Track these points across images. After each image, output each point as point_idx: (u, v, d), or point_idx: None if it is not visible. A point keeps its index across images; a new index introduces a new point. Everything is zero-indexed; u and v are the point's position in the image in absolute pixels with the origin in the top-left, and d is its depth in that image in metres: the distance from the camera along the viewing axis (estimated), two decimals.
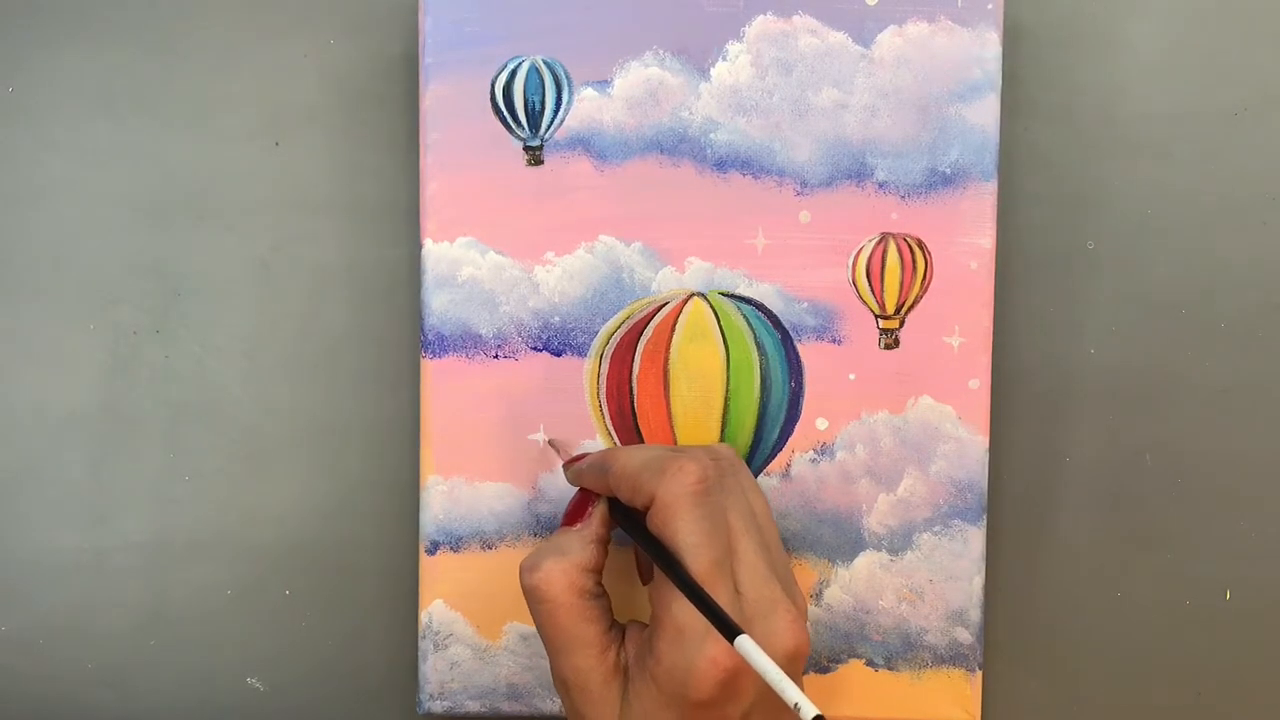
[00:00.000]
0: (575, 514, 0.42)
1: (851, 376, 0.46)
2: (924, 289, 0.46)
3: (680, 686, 0.37)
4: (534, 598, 0.40)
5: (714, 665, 0.37)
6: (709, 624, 0.37)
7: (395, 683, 0.49)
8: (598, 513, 0.42)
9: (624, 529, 0.41)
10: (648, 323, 0.46)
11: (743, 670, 0.37)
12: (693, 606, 0.37)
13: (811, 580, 0.47)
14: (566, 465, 0.45)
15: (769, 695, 0.38)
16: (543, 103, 0.45)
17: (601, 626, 0.40)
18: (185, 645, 0.49)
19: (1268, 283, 0.49)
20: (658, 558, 0.39)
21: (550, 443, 0.46)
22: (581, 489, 0.43)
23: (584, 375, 0.46)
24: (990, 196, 0.46)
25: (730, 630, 0.36)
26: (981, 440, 0.46)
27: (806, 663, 0.47)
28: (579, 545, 0.41)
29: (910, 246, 0.46)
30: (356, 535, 0.48)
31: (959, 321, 0.46)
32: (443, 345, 0.46)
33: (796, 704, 0.34)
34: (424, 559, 0.46)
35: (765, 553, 0.39)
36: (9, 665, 0.49)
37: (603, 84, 0.45)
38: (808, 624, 0.40)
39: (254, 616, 0.49)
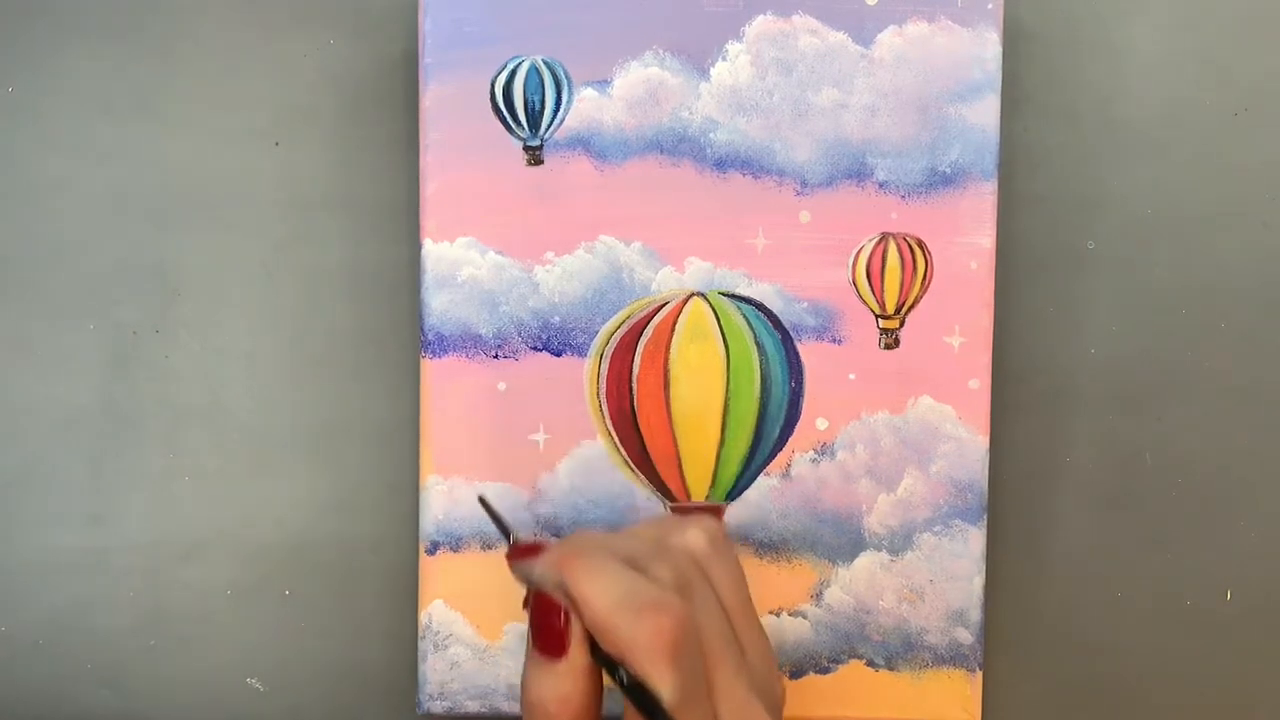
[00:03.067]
0: (549, 637, 0.37)
1: (851, 376, 0.46)
2: (924, 289, 0.46)
3: None
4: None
5: None
6: None
7: (395, 683, 0.49)
8: (576, 639, 0.36)
9: (597, 660, 0.37)
10: (648, 323, 0.46)
11: None
12: None
13: (811, 580, 0.46)
14: (513, 558, 0.38)
15: None
16: (543, 103, 0.45)
17: None
18: (185, 645, 0.49)
19: (1268, 283, 0.49)
20: (628, 692, 0.36)
21: (482, 500, 0.41)
22: (539, 595, 0.37)
23: (584, 375, 0.46)
24: (990, 196, 0.46)
25: None
26: (981, 440, 0.46)
27: (807, 663, 0.47)
28: (570, 685, 0.36)
29: (910, 246, 0.46)
30: (356, 535, 0.48)
31: (959, 321, 0.46)
32: (443, 345, 0.46)
33: None
34: (424, 559, 0.46)
35: (743, 671, 0.37)
36: (9, 665, 0.49)
37: (603, 84, 0.45)
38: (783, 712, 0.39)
39: (254, 616, 0.49)
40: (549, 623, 0.37)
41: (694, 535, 0.39)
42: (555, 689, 0.36)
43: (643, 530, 0.39)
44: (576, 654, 0.36)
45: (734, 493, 0.46)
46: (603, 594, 0.36)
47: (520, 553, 0.38)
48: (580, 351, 0.46)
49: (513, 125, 0.45)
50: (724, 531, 0.39)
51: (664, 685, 0.35)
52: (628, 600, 0.35)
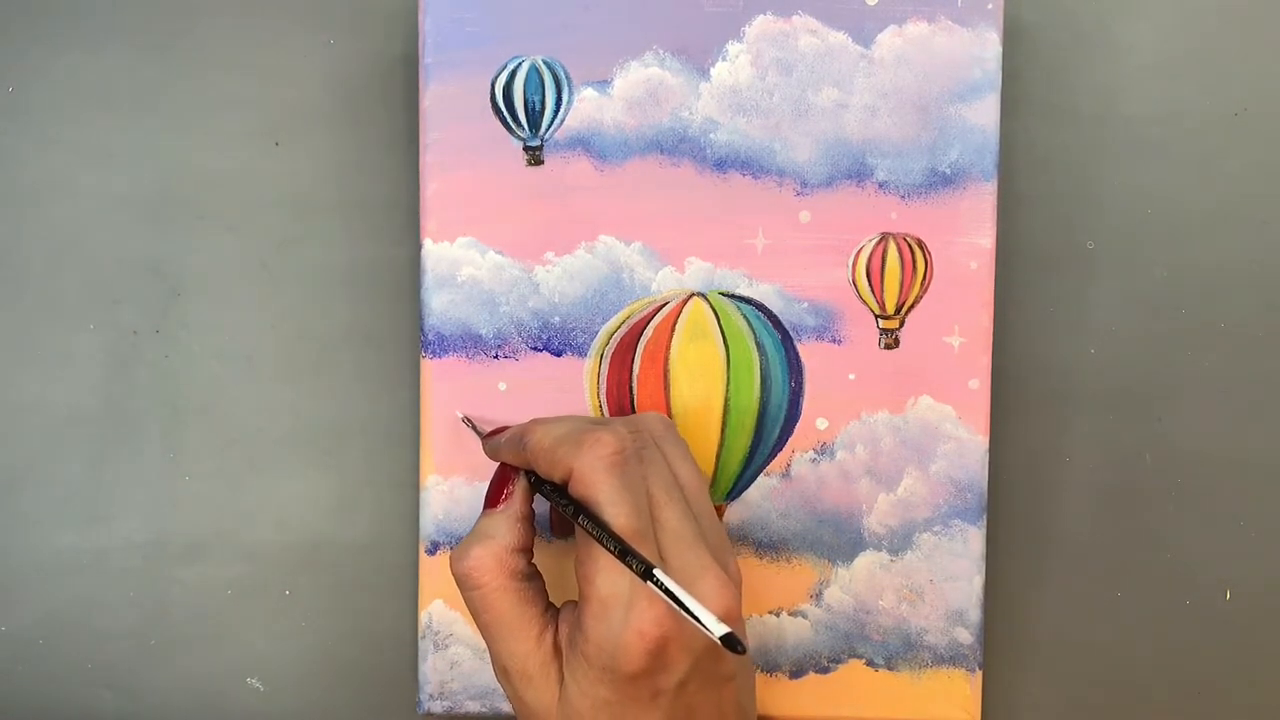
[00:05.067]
0: (496, 494, 0.41)
1: (851, 376, 0.46)
2: (924, 289, 0.46)
3: (610, 660, 0.37)
4: (467, 585, 0.40)
5: (641, 636, 0.37)
6: (633, 594, 0.37)
7: (395, 683, 0.49)
8: (518, 490, 0.41)
9: (545, 498, 0.40)
10: (648, 323, 0.46)
11: (671, 638, 0.37)
12: (616, 578, 0.37)
13: (811, 580, 0.47)
14: (485, 440, 0.44)
15: (704, 663, 0.38)
16: (543, 103, 0.45)
17: (537, 609, 0.40)
18: (185, 645, 0.49)
19: (1268, 283, 0.49)
20: (578, 521, 0.38)
21: (465, 420, 0.45)
22: (500, 465, 0.42)
23: (584, 375, 0.46)
24: (990, 196, 0.46)
25: (646, 568, 0.36)
26: (981, 440, 0.46)
27: (807, 663, 0.47)
28: (505, 527, 0.40)
29: (910, 246, 0.46)
30: (356, 535, 0.48)
31: (959, 321, 0.46)
32: (443, 345, 0.46)
33: (711, 629, 0.34)
34: (424, 559, 0.46)
35: (691, 520, 0.39)
36: (9, 665, 0.49)
37: (603, 84, 0.45)
38: (739, 590, 0.40)
39: (254, 616, 0.49)
40: (499, 479, 0.41)
41: (651, 418, 0.42)
42: (491, 535, 0.40)
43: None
44: (516, 501, 0.41)
45: (734, 493, 0.46)
46: (550, 431, 0.40)
47: (492, 433, 0.43)
48: (580, 351, 0.46)
49: (513, 125, 0.45)
50: (676, 429, 0.43)
51: (602, 492, 0.38)
52: (572, 434, 0.39)
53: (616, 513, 0.37)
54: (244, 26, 0.48)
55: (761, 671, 0.46)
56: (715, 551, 0.39)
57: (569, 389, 0.46)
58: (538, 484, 0.41)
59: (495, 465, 0.42)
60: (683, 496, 0.40)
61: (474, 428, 0.45)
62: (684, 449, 0.42)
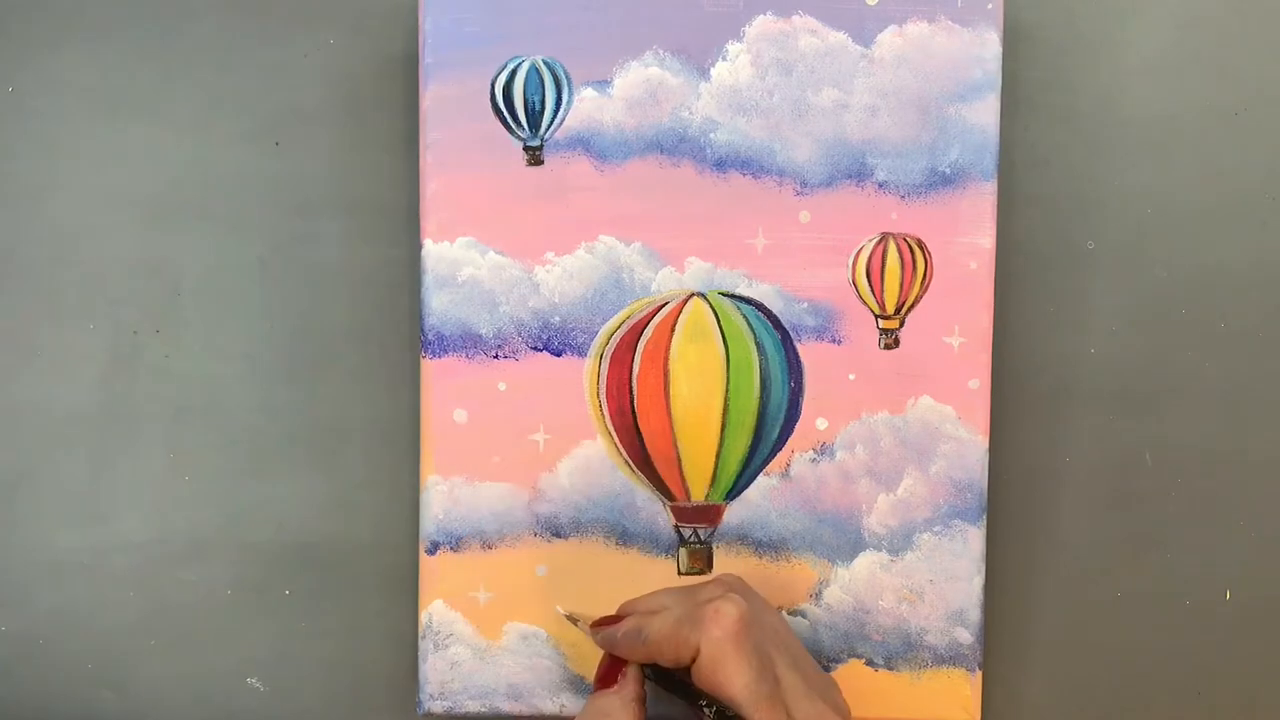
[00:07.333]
0: (609, 676, 0.42)
1: (851, 376, 0.46)
2: (924, 289, 0.46)
3: None
4: None
5: None
6: None
7: (395, 683, 0.49)
8: (632, 673, 0.42)
9: (659, 684, 0.42)
10: (648, 323, 0.46)
11: None
12: None
13: (811, 580, 0.47)
14: (593, 630, 0.44)
15: None
16: (543, 103, 0.45)
17: None
18: (185, 645, 0.49)
19: (1268, 283, 0.49)
20: (701, 706, 0.40)
21: (568, 616, 0.46)
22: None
23: (584, 375, 0.46)
24: (990, 196, 0.46)
25: None
26: (981, 440, 0.46)
27: None
28: (619, 707, 0.41)
29: (910, 246, 0.46)
30: (356, 535, 0.48)
31: (959, 321, 0.46)
32: (443, 345, 0.46)
33: None
34: (424, 559, 0.46)
35: (800, 672, 0.40)
36: (9, 665, 0.49)
37: (603, 84, 0.46)
38: None
39: (254, 616, 0.49)
40: (612, 662, 0.43)
41: (731, 578, 0.44)
42: (608, 714, 0.41)
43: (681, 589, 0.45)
44: (630, 683, 0.42)
45: (734, 493, 0.46)
46: (667, 618, 0.41)
47: (598, 623, 0.44)
48: (580, 351, 0.46)
49: (513, 125, 0.45)
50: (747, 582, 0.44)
51: (733, 661, 0.39)
52: (691, 614, 0.40)
53: (755, 696, 0.39)
54: (244, 26, 0.48)
55: None
56: (823, 693, 0.40)
57: (569, 389, 0.46)
58: (652, 673, 0.42)
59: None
60: (788, 647, 0.41)
61: (575, 622, 0.45)
62: (764, 599, 0.43)
